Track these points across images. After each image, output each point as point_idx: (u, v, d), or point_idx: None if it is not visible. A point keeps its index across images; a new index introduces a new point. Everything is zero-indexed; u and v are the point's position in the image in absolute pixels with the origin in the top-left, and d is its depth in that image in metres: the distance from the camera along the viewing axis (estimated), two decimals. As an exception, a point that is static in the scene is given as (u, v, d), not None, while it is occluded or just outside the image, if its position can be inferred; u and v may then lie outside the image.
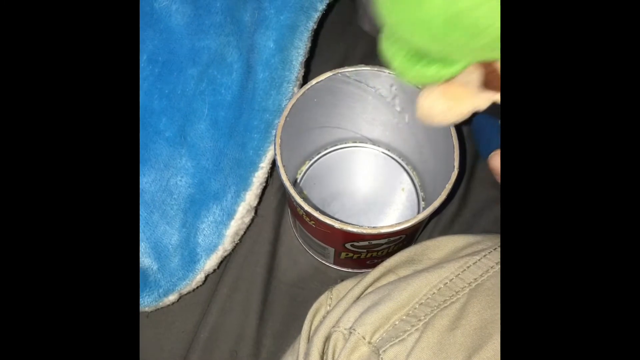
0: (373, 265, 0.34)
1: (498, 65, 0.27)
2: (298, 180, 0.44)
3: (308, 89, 0.36)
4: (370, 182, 0.44)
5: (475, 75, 0.29)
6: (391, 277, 0.33)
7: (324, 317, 0.31)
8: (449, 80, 0.29)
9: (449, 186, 0.33)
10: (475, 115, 0.32)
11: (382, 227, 0.33)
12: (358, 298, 0.32)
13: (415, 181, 0.44)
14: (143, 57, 0.41)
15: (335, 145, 0.45)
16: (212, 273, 0.40)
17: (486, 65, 0.28)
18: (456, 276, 0.31)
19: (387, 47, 0.29)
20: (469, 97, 0.30)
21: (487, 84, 0.29)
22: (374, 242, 0.35)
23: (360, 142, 0.45)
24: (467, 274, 0.31)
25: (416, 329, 0.29)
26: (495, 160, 0.34)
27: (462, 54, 0.27)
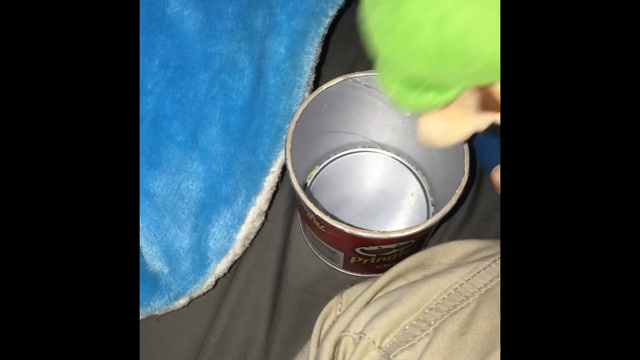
0: (383, 270, 0.34)
1: (494, 88, 0.27)
2: (308, 185, 0.44)
3: (318, 94, 0.36)
4: (380, 186, 0.44)
5: (471, 99, 0.29)
6: (401, 282, 0.33)
7: (334, 322, 0.32)
8: (446, 105, 0.29)
9: (459, 191, 0.33)
10: (476, 135, 0.32)
11: (392, 232, 0.33)
12: (368, 303, 0.32)
13: (425, 186, 0.44)
14: (155, 62, 0.41)
15: (345, 149, 0.45)
16: (223, 277, 0.40)
17: (482, 89, 0.28)
18: (466, 281, 0.31)
19: (383, 76, 0.29)
20: (468, 118, 0.30)
21: (484, 106, 0.29)
22: (383, 246, 0.35)
23: (369, 147, 0.45)
24: (477, 279, 0.31)
25: (426, 334, 0.29)
26: (497, 176, 0.34)
27: (457, 81, 0.27)
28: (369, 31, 0.27)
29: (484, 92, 0.28)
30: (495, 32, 0.24)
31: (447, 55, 0.25)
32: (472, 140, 0.43)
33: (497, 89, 0.27)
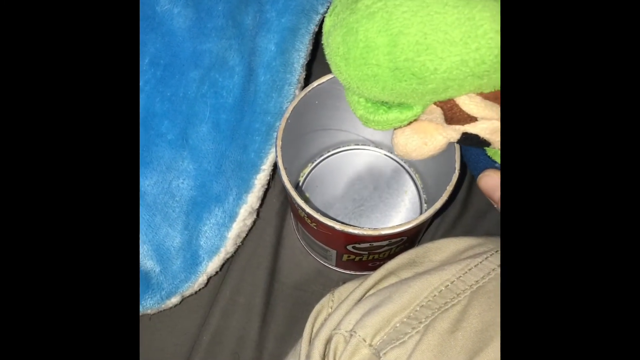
0: (375, 268, 0.34)
1: (458, 100, 0.28)
2: (300, 183, 0.44)
3: (309, 91, 0.36)
4: (373, 184, 0.44)
5: (437, 114, 0.30)
6: (393, 280, 0.33)
7: (326, 320, 0.31)
8: (413, 121, 0.30)
9: (449, 188, 0.33)
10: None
11: (383, 229, 0.33)
12: (359, 300, 0.32)
13: (418, 184, 0.44)
14: (145, 60, 0.41)
15: (338, 147, 0.45)
16: (215, 275, 0.40)
17: (444, 103, 0.29)
18: (457, 278, 0.31)
19: (349, 98, 0.31)
20: (439, 130, 0.31)
21: (450, 120, 0.29)
22: (375, 244, 0.35)
23: (362, 145, 0.45)
24: (468, 276, 0.31)
25: (417, 332, 0.29)
26: (483, 181, 0.34)
27: (415, 99, 0.28)
28: (327, 58, 0.29)
29: (448, 105, 0.29)
30: (447, 48, 0.25)
31: (401, 76, 0.26)
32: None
33: (461, 100, 0.28)
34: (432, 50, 0.25)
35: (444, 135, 0.31)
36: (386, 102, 0.29)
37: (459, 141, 0.31)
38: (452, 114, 0.29)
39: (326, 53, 0.29)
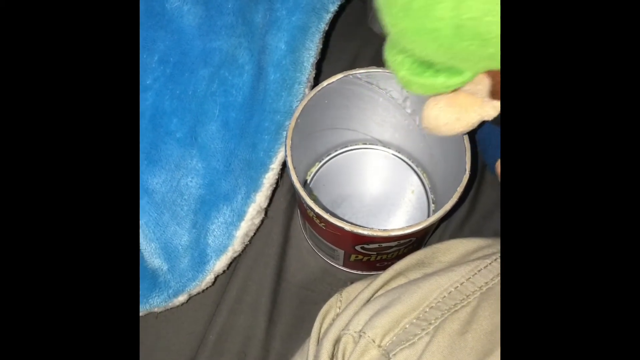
0: (383, 268, 0.34)
1: None
2: (308, 182, 0.44)
3: (319, 90, 0.36)
4: (380, 183, 0.44)
5: (483, 85, 0.28)
6: (401, 280, 0.33)
7: (334, 320, 0.31)
8: (456, 89, 0.28)
9: (460, 189, 0.33)
10: (482, 125, 0.32)
11: (393, 230, 0.33)
12: (368, 301, 0.31)
13: (425, 183, 0.44)
14: (154, 58, 0.41)
15: (346, 146, 0.45)
16: (222, 274, 0.40)
17: (494, 74, 0.28)
18: (467, 280, 0.31)
19: (392, 57, 0.29)
20: (477, 106, 0.29)
21: (495, 94, 0.28)
22: (384, 244, 0.35)
23: (370, 144, 0.45)
24: (478, 277, 0.31)
25: (427, 333, 0.29)
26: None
27: (470, 63, 0.26)
28: (382, 8, 0.26)
29: (495, 78, 0.27)
30: None
31: (464, 35, 0.24)
32: (474, 137, 0.43)
33: None
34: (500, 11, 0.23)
35: (479, 112, 0.29)
36: (432, 65, 0.27)
37: (492, 121, 0.30)
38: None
39: (379, 3, 0.27)
